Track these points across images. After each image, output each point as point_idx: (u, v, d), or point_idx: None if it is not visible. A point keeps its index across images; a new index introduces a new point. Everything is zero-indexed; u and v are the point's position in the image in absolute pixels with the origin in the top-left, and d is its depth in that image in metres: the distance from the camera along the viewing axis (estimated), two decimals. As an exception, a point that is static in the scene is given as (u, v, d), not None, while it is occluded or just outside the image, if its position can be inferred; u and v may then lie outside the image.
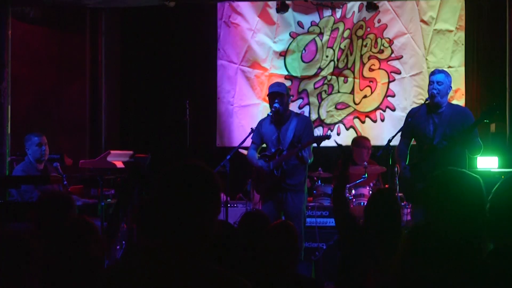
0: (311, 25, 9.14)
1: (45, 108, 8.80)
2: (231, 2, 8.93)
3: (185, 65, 9.44)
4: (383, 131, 8.80)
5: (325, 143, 6.31)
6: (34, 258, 2.63)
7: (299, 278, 3.66)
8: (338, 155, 8.51)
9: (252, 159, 6.45)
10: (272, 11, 9.14)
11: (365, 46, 9.04)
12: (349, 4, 8.93)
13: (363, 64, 9.07)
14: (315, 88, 9.17)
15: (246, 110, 9.24)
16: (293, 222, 4.34)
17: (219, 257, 3.13)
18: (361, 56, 9.06)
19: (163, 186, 2.04)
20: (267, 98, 6.59)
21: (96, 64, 9.07)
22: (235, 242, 3.44)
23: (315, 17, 9.15)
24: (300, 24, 9.15)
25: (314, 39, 9.14)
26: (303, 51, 9.17)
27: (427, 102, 5.90)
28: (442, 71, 6.00)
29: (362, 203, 7.10)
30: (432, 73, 5.96)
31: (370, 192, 7.24)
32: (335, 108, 9.13)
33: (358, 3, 8.81)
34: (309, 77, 9.18)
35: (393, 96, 8.98)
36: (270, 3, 9.04)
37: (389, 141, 5.94)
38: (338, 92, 9.13)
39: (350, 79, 9.09)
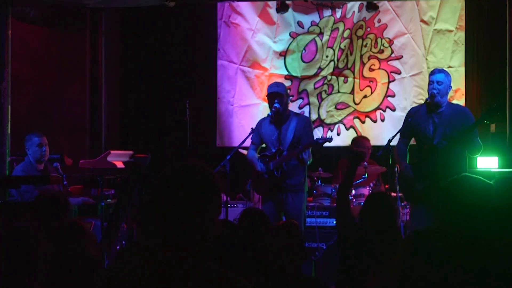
0: (311, 25, 9.14)
1: (45, 108, 8.79)
2: (231, 2, 8.92)
3: (185, 65, 9.44)
4: (383, 131, 8.80)
5: (325, 144, 6.31)
6: (40, 253, 2.65)
7: (305, 279, 3.65)
8: (338, 155, 8.55)
9: (252, 159, 6.45)
10: (272, 11, 9.14)
11: (365, 46, 9.04)
12: (349, 4, 8.93)
13: (363, 64, 9.07)
14: (315, 88, 9.16)
15: (246, 110, 9.24)
16: (293, 222, 4.35)
17: (219, 257, 3.12)
18: (361, 56, 9.06)
19: (163, 186, 2.04)
20: (267, 98, 6.60)
21: (96, 64, 9.07)
22: (235, 241, 3.44)
23: (315, 17, 9.15)
24: (300, 24, 9.15)
25: (314, 39, 9.14)
26: (303, 51, 9.17)
27: (427, 101, 5.89)
28: (442, 71, 5.99)
29: (362, 203, 7.08)
30: (432, 73, 5.95)
31: (370, 192, 7.24)
32: (335, 108, 9.13)
33: (358, 3, 8.81)
34: (309, 77, 9.17)
35: (393, 96, 8.98)
36: (270, 3, 9.04)
37: (389, 141, 5.94)
38: (338, 92, 9.13)
39: (350, 79, 9.09)
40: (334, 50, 9.08)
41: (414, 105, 8.11)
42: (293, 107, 8.77)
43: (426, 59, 8.84)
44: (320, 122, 9.12)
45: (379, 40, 9.00)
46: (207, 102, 9.29)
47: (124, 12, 9.43)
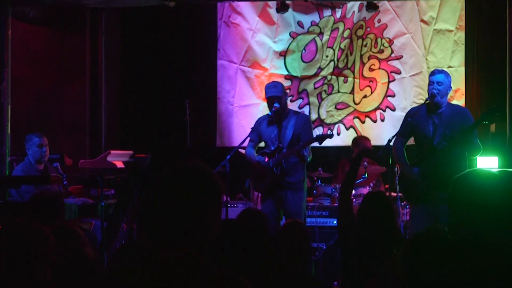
0: (311, 25, 9.14)
1: (45, 108, 8.79)
2: (231, 2, 8.92)
3: (185, 65, 9.44)
4: (383, 131, 8.80)
5: (325, 143, 6.31)
6: (49, 246, 2.66)
7: (306, 278, 3.64)
8: (338, 155, 8.55)
9: (251, 155, 6.45)
10: (272, 11, 9.14)
11: (365, 46, 9.04)
12: (349, 4, 8.93)
13: (363, 64, 9.07)
14: (315, 88, 9.16)
15: (246, 110, 9.24)
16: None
17: (219, 257, 3.12)
18: (361, 56, 9.06)
19: (164, 186, 2.04)
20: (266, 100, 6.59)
21: (96, 64, 9.07)
22: (235, 241, 3.44)
23: (315, 17, 9.15)
24: (300, 24, 9.15)
25: (314, 39, 9.14)
26: (303, 51, 9.17)
27: (427, 102, 5.89)
28: (442, 71, 6.00)
29: (362, 203, 7.09)
30: (432, 73, 5.95)
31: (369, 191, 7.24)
32: (335, 108, 9.12)
33: (358, 3, 8.81)
34: (309, 77, 9.17)
35: (393, 96, 8.98)
36: (270, 3, 9.04)
37: (389, 141, 5.93)
38: (338, 92, 9.13)
39: (350, 79, 9.09)
40: (334, 50, 9.08)
41: (414, 105, 8.11)
42: (293, 107, 8.76)
43: (426, 59, 8.84)
44: (320, 122, 9.12)
45: (379, 40, 9.00)
46: (207, 102, 9.29)
47: (124, 12, 9.43)
